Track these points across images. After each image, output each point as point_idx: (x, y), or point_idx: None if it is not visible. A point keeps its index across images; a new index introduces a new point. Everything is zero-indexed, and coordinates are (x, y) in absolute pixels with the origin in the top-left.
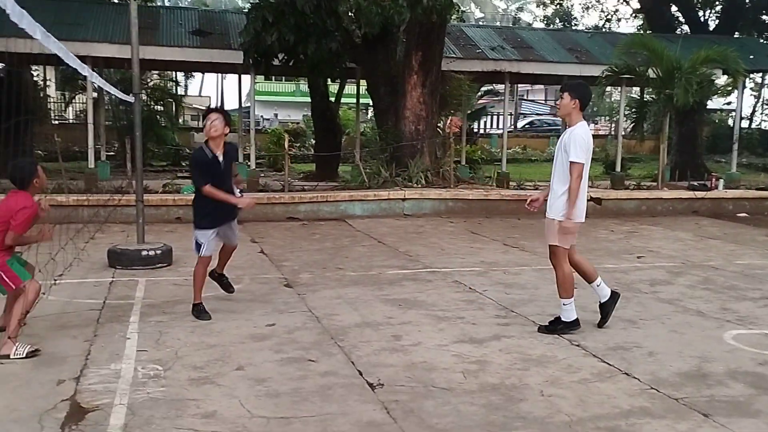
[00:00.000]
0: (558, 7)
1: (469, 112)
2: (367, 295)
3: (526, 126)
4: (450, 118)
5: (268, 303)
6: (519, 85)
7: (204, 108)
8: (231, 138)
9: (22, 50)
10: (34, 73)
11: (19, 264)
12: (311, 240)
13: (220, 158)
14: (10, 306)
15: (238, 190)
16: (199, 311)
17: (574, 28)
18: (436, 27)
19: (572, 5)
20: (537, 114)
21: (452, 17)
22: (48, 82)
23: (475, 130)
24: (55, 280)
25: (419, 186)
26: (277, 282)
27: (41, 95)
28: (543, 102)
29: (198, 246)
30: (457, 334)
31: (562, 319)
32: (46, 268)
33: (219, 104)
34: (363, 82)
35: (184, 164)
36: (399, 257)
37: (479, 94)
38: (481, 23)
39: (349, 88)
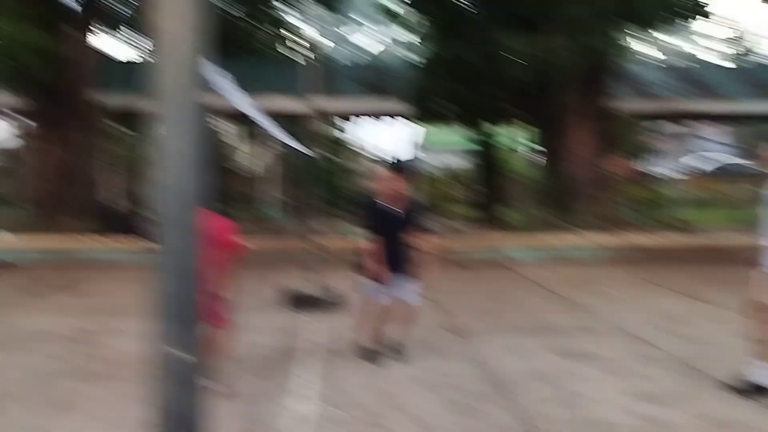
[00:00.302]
0: (741, 42)
1: (639, 153)
2: (535, 344)
3: (707, 168)
4: (619, 159)
5: (435, 350)
6: (697, 125)
7: (376, 156)
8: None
9: (215, 105)
10: (225, 128)
11: None
12: (476, 286)
13: (391, 211)
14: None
15: (420, 254)
16: (368, 355)
17: (761, 63)
18: (602, 68)
19: (760, 40)
20: (719, 156)
21: (620, 57)
22: (237, 136)
23: (647, 172)
24: (242, 321)
25: (587, 231)
26: (442, 329)
27: (232, 148)
28: (725, 143)
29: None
30: (634, 391)
31: (759, 383)
32: (234, 310)
33: (394, 157)
34: (528, 126)
35: (356, 210)
36: (568, 305)
37: (651, 134)
38: (653, 60)
39: (514, 133)
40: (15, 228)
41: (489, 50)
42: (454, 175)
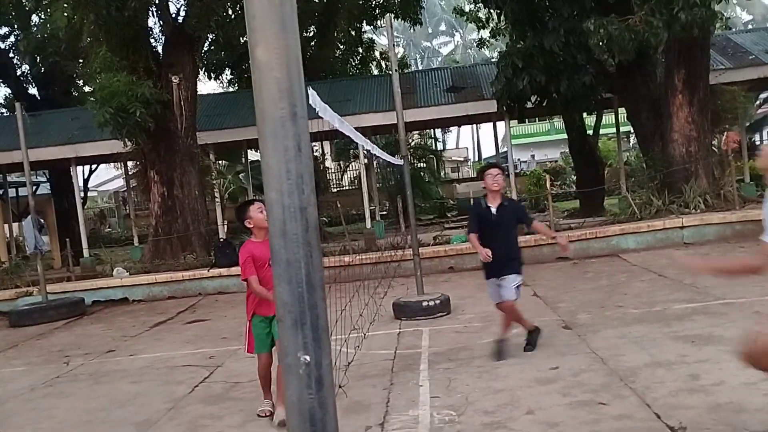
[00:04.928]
0: None
1: (747, 124)
2: (654, 332)
3: None
4: (726, 133)
5: (549, 346)
6: None
7: (462, 159)
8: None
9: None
10: (314, 148)
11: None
12: (585, 279)
13: (493, 210)
14: None
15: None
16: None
17: None
18: (699, 41)
19: None
20: None
21: (716, 27)
22: (326, 155)
23: (758, 143)
24: (364, 333)
25: (698, 211)
26: (554, 324)
27: (321, 168)
28: None
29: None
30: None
31: None
32: (347, 322)
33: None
34: (622, 111)
35: (449, 216)
36: (685, 290)
37: (758, 103)
38: (750, 27)
39: (607, 119)
40: (129, 265)
41: (569, 37)
42: (547, 169)
